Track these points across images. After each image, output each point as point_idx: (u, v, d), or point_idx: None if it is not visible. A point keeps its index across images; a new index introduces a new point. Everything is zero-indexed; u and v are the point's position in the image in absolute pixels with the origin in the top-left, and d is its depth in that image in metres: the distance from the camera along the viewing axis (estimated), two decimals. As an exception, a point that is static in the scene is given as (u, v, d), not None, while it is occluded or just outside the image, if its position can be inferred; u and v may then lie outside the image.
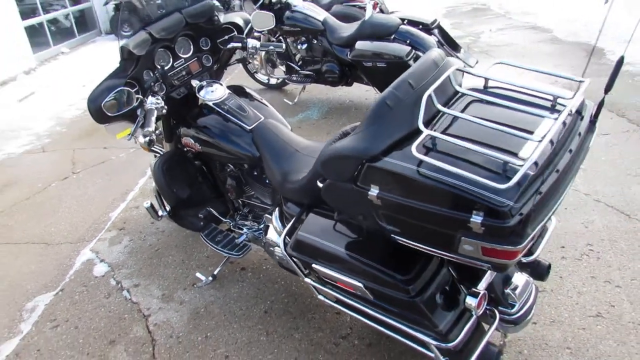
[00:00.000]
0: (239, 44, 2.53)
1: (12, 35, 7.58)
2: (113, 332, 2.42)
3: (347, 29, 4.72)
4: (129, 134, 2.24)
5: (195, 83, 2.44)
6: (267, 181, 2.31)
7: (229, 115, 2.33)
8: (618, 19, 4.77)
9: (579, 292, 2.35)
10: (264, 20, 2.57)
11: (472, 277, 1.74)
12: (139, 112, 2.21)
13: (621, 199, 2.98)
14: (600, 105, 1.58)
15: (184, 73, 2.47)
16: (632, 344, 2.04)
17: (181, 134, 2.50)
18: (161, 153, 2.75)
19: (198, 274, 2.66)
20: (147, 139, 2.62)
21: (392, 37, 4.39)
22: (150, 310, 2.53)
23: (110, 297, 2.66)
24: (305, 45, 5.06)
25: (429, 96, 1.49)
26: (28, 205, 3.73)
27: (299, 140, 2.27)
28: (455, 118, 1.51)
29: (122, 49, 2.20)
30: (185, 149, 2.56)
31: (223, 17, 2.58)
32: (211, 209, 2.69)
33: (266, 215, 2.37)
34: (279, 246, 2.07)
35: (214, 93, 2.39)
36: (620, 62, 1.45)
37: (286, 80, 5.38)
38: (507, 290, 1.82)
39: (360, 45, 4.43)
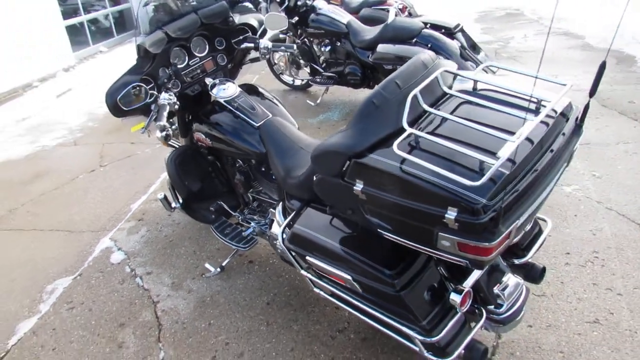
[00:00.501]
0: (252, 45, 2.63)
1: (53, 35, 7.94)
2: (124, 315, 2.55)
3: (370, 32, 4.77)
4: (143, 127, 2.36)
5: (208, 81, 2.55)
6: (274, 177, 2.40)
7: (238, 112, 2.42)
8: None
9: (579, 298, 2.34)
10: (277, 22, 2.65)
11: (462, 275, 1.77)
12: (153, 107, 2.33)
13: (634, 208, 2.94)
14: (586, 109, 1.61)
15: (198, 71, 2.58)
16: (626, 351, 2.03)
17: (194, 129, 2.61)
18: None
19: (207, 265, 2.77)
20: (164, 133, 2.76)
21: (413, 40, 4.42)
22: (160, 297, 2.65)
23: (124, 283, 2.80)
24: (328, 48, 5.14)
25: (415, 96, 1.54)
26: (56, 195, 3.93)
27: (304, 138, 2.35)
28: (440, 118, 1.55)
29: (139, 47, 2.33)
30: (198, 144, 2.68)
31: (238, 18, 2.68)
32: (222, 203, 2.79)
33: (271, 209, 2.45)
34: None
35: (225, 91, 2.50)
36: (603, 67, 1.47)
37: (310, 82, 5.47)
38: (496, 290, 1.84)
39: (381, 48, 4.49)
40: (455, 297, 1.64)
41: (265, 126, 2.37)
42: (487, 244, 1.34)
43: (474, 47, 4.64)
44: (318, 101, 5.39)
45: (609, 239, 2.70)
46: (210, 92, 2.51)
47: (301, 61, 5.57)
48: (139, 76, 2.34)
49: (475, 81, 1.67)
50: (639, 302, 2.27)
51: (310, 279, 2.05)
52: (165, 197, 2.81)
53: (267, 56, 2.68)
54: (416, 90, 1.54)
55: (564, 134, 1.56)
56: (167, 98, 2.29)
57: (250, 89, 2.64)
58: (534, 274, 2.03)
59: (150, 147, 4.59)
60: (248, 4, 5.39)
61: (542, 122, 1.52)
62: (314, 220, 1.94)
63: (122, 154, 4.55)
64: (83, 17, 9.04)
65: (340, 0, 7.42)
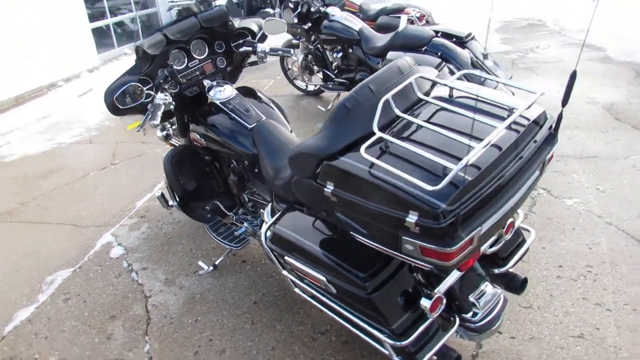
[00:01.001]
0: (250, 48, 2.68)
1: (80, 37, 8.20)
2: (116, 308, 2.62)
3: (381, 40, 4.79)
4: (139, 126, 2.43)
5: (206, 83, 2.61)
6: (265, 178, 2.44)
7: (232, 114, 2.47)
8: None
9: (567, 312, 2.30)
10: (276, 27, 2.70)
11: (438, 282, 1.78)
12: (149, 106, 2.40)
13: (635, 223, 2.88)
14: (559, 118, 1.60)
15: (197, 73, 2.64)
16: (608, 367, 2.00)
17: (190, 129, 2.68)
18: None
19: (200, 263, 2.83)
20: (164, 133, 2.85)
21: (423, 48, 4.42)
22: (152, 292, 2.71)
23: (120, 277, 2.87)
24: (340, 54, 5.19)
25: (387, 101, 1.56)
26: (66, 191, 4.05)
27: (295, 140, 2.38)
28: (412, 124, 1.57)
29: (137, 49, 2.41)
30: (194, 144, 2.74)
31: (238, 23, 2.74)
32: (218, 203, 2.83)
33: (261, 210, 2.49)
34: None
35: (222, 93, 2.55)
36: (573, 76, 1.46)
37: (322, 88, 5.52)
38: (472, 299, 1.84)
39: (390, 55, 4.49)
40: (425, 303, 1.65)
41: (257, 128, 2.41)
42: (447, 249, 1.35)
43: (485, 56, 4.61)
44: (329, 107, 5.43)
45: (605, 254, 2.66)
46: (207, 94, 2.57)
47: (314, 67, 5.63)
48: (137, 76, 2.41)
49: (451, 88, 1.68)
50: (627, 319, 2.23)
51: (291, 280, 2.08)
52: (163, 195, 2.87)
53: (265, 60, 2.72)
54: (388, 96, 1.56)
55: (535, 141, 1.56)
56: (162, 98, 2.35)
57: (247, 92, 2.69)
58: (514, 285, 2.02)
59: (160, 147, 4.68)
60: (269, 10, 5.49)
61: (512, 129, 1.53)
62: (295, 222, 1.97)
63: (133, 153, 4.67)
64: (109, 20, 9.30)
65: (359, 7, 7.48)
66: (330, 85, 5.37)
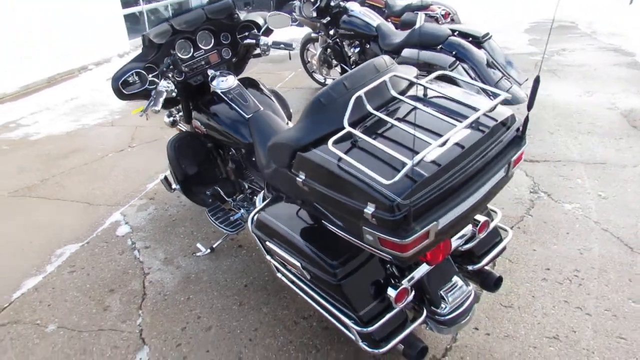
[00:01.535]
0: (253, 41, 2.77)
1: (112, 22, 8.45)
2: (115, 282, 2.77)
3: (398, 36, 4.82)
4: (142, 111, 2.55)
5: (210, 72, 2.72)
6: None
7: (232, 103, 2.57)
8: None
9: (546, 313, 2.33)
10: (280, 21, 2.78)
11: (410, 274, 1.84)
12: (153, 93, 2.51)
13: (631, 232, 2.86)
14: (526, 121, 1.64)
15: (202, 63, 2.75)
16: (576, 369, 2.03)
17: (193, 117, 2.79)
18: (185, 133, 3.07)
19: (199, 245, 2.95)
20: (171, 119, 2.97)
21: (439, 47, 4.43)
22: (151, 270, 2.85)
23: (123, 254, 3.02)
24: (358, 49, 5.24)
25: (360, 97, 1.63)
26: (84, 170, 4.25)
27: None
28: (382, 120, 1.63)
29: (143, 37, 2.53)
30: (196, 131, 2.86)
31: (244, 15, 2.84)
32: (218, 189, 2.95)
33: (255, 197, 2.59)
34: None
35: (224, 83, 2.65)
36: (537, 81, 1.50)
37: (338, 82, 5.57)
38: (441, 293, 1.90)
39: (405, 52, 4.53)
40: (391, 293, 1.72)
41: (254, 118, 2.51)
42: (401, 240, 1.42)
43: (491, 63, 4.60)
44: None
45: (595, 260, 2.66)
46: (210, 83, 2.68)
47: (333, 61, 5.70)
48: (143, 64, 2.53)
49: (426, 88, 1.73)
50: (605, 324, 2.24)
51: (274, 265, 2.17)
52: (166, 178, 3.00)
53: (268, 52, 2.81)
54: (360, 92, 1.63)
55: (500, 142, 1.60)
56: (164, 85, 2.46)
57: (250, 83, 2.78)
58: (489, 282, 2.06)
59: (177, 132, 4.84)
60: (297, 2, 5.56)
61: (477, 129, 1.58)
62: (278, 210, 2.05)
63: (150, 137, 4.84)
64: (143, 7, 9.54)
65: (384, 3, 7.48)
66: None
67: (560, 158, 3.80)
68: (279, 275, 2.18)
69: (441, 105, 1.67)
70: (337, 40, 5.41)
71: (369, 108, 1.64)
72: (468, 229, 1.92)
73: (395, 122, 1.56)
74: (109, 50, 8.28)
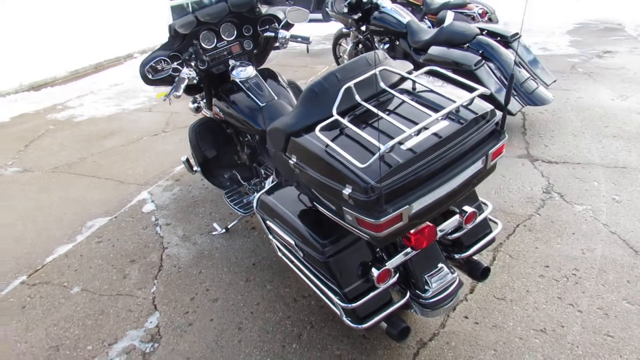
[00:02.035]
0: (272, 34, 2.93)
1: (159, 13, 8.80)
2: (136, 254, 3.00)
3: (427, 34, 4.88)
4: (165, 96, 2.75)
5: (231, 62, 2.89)
6: None
7: (248, 92, 2.74)
8: None
9: (537, 307, 2.39)
10: (299, 16, 2.92)
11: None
12: (176, 79, 2.71)
13: (639, 235, 2.86)
14: (504, 116, 1.71)
15: (225, 53, 2.92)
16: (557, 361, 2.09)
17: (213, 103, 2.98)
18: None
19: (215, 224, 3.15)
20: (195, 105, 3.17)
21: (466, 45, 4.47)
22: (169, 245, 3.07)
23: (146, 229, 3.26)
24: (387, 45, 5.31)
25: (350, 88, 1.75)
26: (120, 151, 4.54)
27: None
28: (369, 110, 1.75)
29: (170, 27, 2.72)
30: (216, 117, 3.04)
31: (265, 9, 2.99)
32: (236, 172, 3.13)
33: (266, 181, 2.75)
34: None
35: (243, 72, 2.82)
36: (512, 78, 1.58)
37: (368, 77, 5.67)
38: (425, 277, 2.00)
39: (432, 50, 4.59)
40: (374, 272, 1.84)
41: (267, 107, 2.66)
42: (375, 221, 1.54)
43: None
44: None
45: (596, 260, 2.68)
46: (230, 73, 2.85)
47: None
48: (168, 52, 2.73)
49: (414, 82, 1.83)
50: (595, 322, 2.28)
51: (276, 244, 2.32)
52: (188, 160, 3.21)
53: (286, 45, 2.96)
54: (350, 83, 1.75)
55: (477, 134, 1.68)
56: (186, 73, 2.65)
57: (268, 74, 2.94)
58: (475, 272, 2.14)
59: (208, 120, 5.07)
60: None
61: (456, 121, 1.67)
62: (280, 192, 2.21)
63: (183, 122, 5.09)
64: (188, -1, 9.87)
65: (422, 0, 7.51)
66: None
67: (580, 160, 3.78)
68: (279, 254, 2.33)
69: (426, 98, 1.77)
70: (368, 36, 5.50)
71: (358, 98, 1.77)
72: (455, 218, 2.01)
73: (380, 112, 1.68)
74: (154, 39, 8.63)
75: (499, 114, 1.76)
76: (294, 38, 2.93)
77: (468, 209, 2.03)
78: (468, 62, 4.27)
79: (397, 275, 1.93)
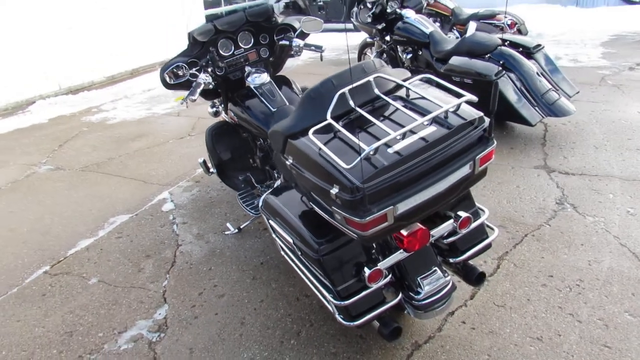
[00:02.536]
0: (287, 42, 3.04)
1: (194, 22, 9.11)
2: (152, 249, 3.14)
3: (449, 44, 4.91)
4: (182, 99, 2.89)
5: (247, 69, 3.02)
6: None
7: (261, 97, 2.85)
8: None
9: (536, 316, 2.40)
10: (314, 26, 3.02)
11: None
12: (193, 84, 2.85)
13: (651, 249, 2.83)
14: (491, 123, 1.76)
15: (242, 60, 3.05)
16: (550, 369, 2.10)
17: (229, 107, 3.10)
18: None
19: (228, 224, 3.27)
20: (214, 109, 3.31)
21: (487, 56, 4.49)
22: (184, 242, 3.20)
23: (163, 226, 3.40)
24: (410, 55, 5.37)
25: (344, 94, 1.83)
26: (146, 153, 4.74)
27: None
28: (362, 115, 1.82)
29: (189, 35, 2.87)
30: (232, 121, 3.17)
31: (282, 19, 3.11)
32: (250, 175, 3.25)
33: (275, 183, 2.85)
34: None
35: (257, 78, 2.94)
36: (496, 86, 1.63)
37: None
38: (418, 279, 2.05)
39: (453, 60, 4.63)
40: (366, 272, 1.90)
41: (279, 112, 2.77)
42: (360, 220, 1.61)
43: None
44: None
45: (602, 272, 2.66)
46: (246, 79, 2.97)
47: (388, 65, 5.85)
48: (187, 58, 2.88)
49: (408, 89, 1.90)
50: (593, 332, 2.28)
51: (279, 244, 2.41)
52: (205, 162, 3.35)
53: (300, 53, 3.07)
54: (345, 89, 1.83)
55: (464, 140, 1.73)
56: (203, 78, 2.79)
57: (282, 81, 3.05)
58: (470, 276, 2.18)
59: (232, 125, 5.24)
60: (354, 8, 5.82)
61: (444, 126, 1.73)
62: (283, 193, 2.30)
63: (208, 127, 5.26)
64: (222, 8, 10.18)
65: (451, 11, 7.54)
66: (399, 84, 5.56)
67: (598, 172, 3.74)
68: (282, 253, 2.42)
69: (417, 104, 1.83)
70: (392, 45, 5.57)
71: (352, 104, 1.84)
72: (449, 223, 2.05)
73: (371, 117, 1.75)
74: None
75: (486, 119, 1.80)
76: (307, 47, 3.04)
77: (463, 214, 2.06)
78: (488, 73, 4.29)
79: (391, 276, 1.99)
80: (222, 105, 3.35)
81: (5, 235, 3.44)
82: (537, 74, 4.39)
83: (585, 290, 2.55)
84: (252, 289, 2.72)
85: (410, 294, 2.05)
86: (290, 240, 2.11)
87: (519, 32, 7.03)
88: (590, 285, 2.57)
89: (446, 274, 2.09)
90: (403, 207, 1.66)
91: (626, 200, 3.35)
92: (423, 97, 1.84)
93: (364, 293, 1.94)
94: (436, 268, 2.08)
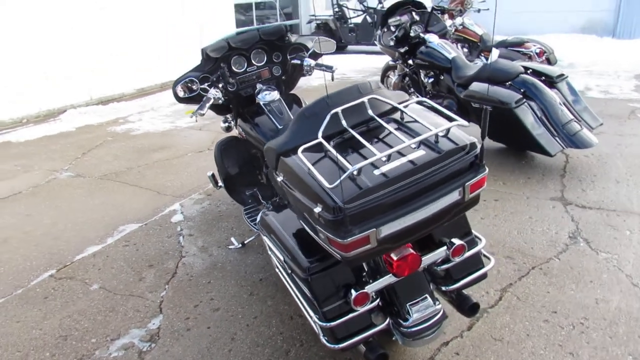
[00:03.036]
0: (298, 61, 3.07)
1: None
2: (155, 260, 3.18)
3: (470, 70, 4.88)
4: (192, 113, 2.94)
5: (258, 86, 3.06)
6: None
7: (270, 115, 2.88)
8: None
9: (533, 352, 2.30)
10: (326, 46, 3.05)
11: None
12: (204, 98, 2.90)
13: (665, 290, 2.70)
14: (482, 149, 1.72)
15: (254, 77, 3.10)
16: (540, 408, 2.00)
17: (238, 123, 3.15)
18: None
19: (232, 239, 3.28)
20: (226, 124, 3.36)
21: (508, 83, 4.44)
22: (187, 254, 3.23)
23: (170, 237, 3.45)
24: (432, 80, 5.35)
25: (337, 114, 1.84)
26: (164, 164, 4.83)
27: None
28: (353, 136, 1.82)
29: (202, 51, 2.94)
30: (240, 136, 3.21)
31: (295, 38, 3.16)
32: (257, 191, 3.27)
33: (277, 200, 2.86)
34: None
35: (267, 96, 2.97)
36: (486, 112, 1.61)
37: (412, 110, 5.72)
38: (408, 306, 2.01)
39: (473, 86, 4.60)
40: (352, 294, 1.88)
41: (285, 129, 2.78)
42: (342, 241, 1.60)
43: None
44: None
45: (609, 311, 2.55)
46: (256, 96, 3.01)
47: (411, 89, 5.85)
48: (199, 73, 2.94)
49: (402, 112, 1.89)
50: (593, 374, 2.18)
51: (273, 259, 2.41)
52: (213, 175, 3.39)
53: (311, 73, 3.09)
54: (337, 109, 1.83)
55: (453, 165, 1.70)
56: (213, 93, 2.84)
57: (292, 99, 3.08)
58: (463, 306, 2.12)
59: (250, 141, 5.30)
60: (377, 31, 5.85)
61: (433, 150, 1.71)
62: (279, 211, 2.30)
63: (227, 142, 5.33)
64: (254, 27, 10.40)
65: (479, 37, 7.50)
66: (420, 108, 5.54)
67: (617, 208, 3.61)
68: (277, 270, 2.41)
69: (409, 127, 1.82)
70: (414, 69, 5.57)
71: (344, 124, 1.84)
72: (442, 250, 2.01)
73: (361, 138, 1.75)
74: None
75: (478, 144, 1.77)
76: (318, 67, 3.06)
77: (457, 241, 2.01)
78: (507, 100, 4.24)
79: (379, 300, 1.96)
80: (234, 121, 3.40)
81: (19, 238, 3.54)
82: (559, 103, 4.31)
83: (589, 329, 2.44)
84: (248, 304, 2.71)
85: (399, 320, 2.01)
86: (282, 258, 2.10)
87: (548, 60, 6.92)
88: (595, 325, 2.47)
89: (437, 302, 2.04)
90: (387, 230, 1.64)
91: (644, 238, 3.22)
92: (416, 121, 1.83)
93: (349, 316, 1.91)
94: (427, 295, 2.03)
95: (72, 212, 3.91)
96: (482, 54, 7.47)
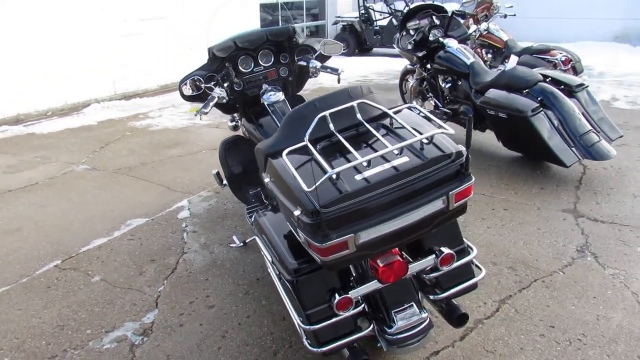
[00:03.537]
0: (305, 63, 3.07)
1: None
2: (157, 255, 3.22)
3: (488, 76, 4.80)
4: (197, 111, 2.97)
5: (264, 87, 3.07)
6: None
7: (273, 115, 2.89)
8: None
9: (526, 367, 2.26)
10: (333, 48, 3.04)
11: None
12: (208, 97, 2.93)
13: (672, 310, 2.60)
14: (467, 158, 1.69)
15: (260, 77, 3.11)
16: None
17: (242, 123, 3.16)
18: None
19: (234, 237, 3.31)
20: (233, 123, 3.39)
21: (526, 91, 4.36)
22: (189, 250, 3.26)
23: (174, 233, 3.49)
24: (449, 85, 5.28)
25: (324, 117, 1.83)
26: (177, 161, 4.90)
27: None
28: (339, 140, 1.80)
29: (209, 50, 2.96)
30: (245, 135, 3.23)
31: (302, 40, 3.16)
32: (260, 190, 3.28)
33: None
34: None
35: (272, 97, 2.98)
36: (470, 120, 1.58)
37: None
38: (393, 313, 1.98)
39: (489, 93, 4.53)
40: (335, 298, 1.86)
41: (282, 131, 2.79)
42: (319, 245, 1.59)
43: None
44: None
45: (610, 329, 2.47)
46: (261, 96, 3.03)
47: (428, 94, 5.80)
48: (205, 72, 2.97)
49: (391, 117, 1.87)
50: (585, 392, 2.11)
51: (266, 261, 2.41)
52: (218, 173, 3.42)
53: (317, 75, 3.09)
54: (325, 113, 1.82)
55: (437, 173, 1.67)
56: (217, 92, 2.86)
57: (298, 101, 3.08)
58: (451, 316, 2.07)
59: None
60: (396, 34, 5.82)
61: (419, 157, 1.69)
62: (271, 212, 2.30)
63: (241, 141, 5.38)
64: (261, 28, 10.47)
65: (504, 43, 7.38)
66: (437, 113, 5.48)
67: (631, 223, 3.50)
68: (269, 270, 2.42)
69: (398, 133, 1.80)
70: (432, 74, 5.51)
71: (332, 128, 1.83)
72: (430, 258, 1.97)
73: (346, 142, 1.73)
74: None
75: (464, 152, 1.74)
76: (324, 68, 3.05)
77: (446, 250, 1.98)
78: (523, 108, 4.18)
79: (364, 305, 1.94)
80: (240, 120, 3.42)
81: (30, 227, 3.64)
82: (578, 113, 4.20)
83: (586, 346, 2.37)
84: (242, 303, 2.72)
85: (384, 326, 1.99)
86: (270, 259, 2.10)
87: (574, 69, 6.75)
88: (593, 342, 2.39)
89: (423, 311, 2.00)
90: (366, 236, 1.63)
91: (655, 254, 3.11)
92: (403, 127, 1.80)
93: (332, 320, 1.89)
94: (413, 303, 2.00)
95: (84, 205, 4.00)
96: (506, 60, 7.34)
